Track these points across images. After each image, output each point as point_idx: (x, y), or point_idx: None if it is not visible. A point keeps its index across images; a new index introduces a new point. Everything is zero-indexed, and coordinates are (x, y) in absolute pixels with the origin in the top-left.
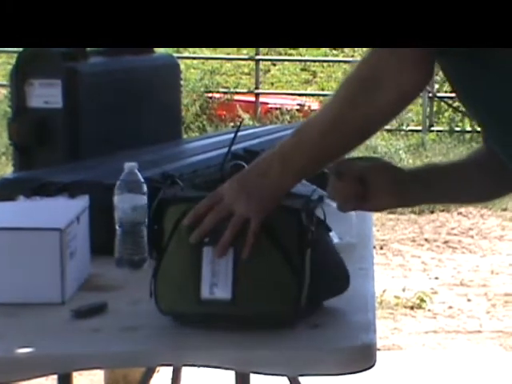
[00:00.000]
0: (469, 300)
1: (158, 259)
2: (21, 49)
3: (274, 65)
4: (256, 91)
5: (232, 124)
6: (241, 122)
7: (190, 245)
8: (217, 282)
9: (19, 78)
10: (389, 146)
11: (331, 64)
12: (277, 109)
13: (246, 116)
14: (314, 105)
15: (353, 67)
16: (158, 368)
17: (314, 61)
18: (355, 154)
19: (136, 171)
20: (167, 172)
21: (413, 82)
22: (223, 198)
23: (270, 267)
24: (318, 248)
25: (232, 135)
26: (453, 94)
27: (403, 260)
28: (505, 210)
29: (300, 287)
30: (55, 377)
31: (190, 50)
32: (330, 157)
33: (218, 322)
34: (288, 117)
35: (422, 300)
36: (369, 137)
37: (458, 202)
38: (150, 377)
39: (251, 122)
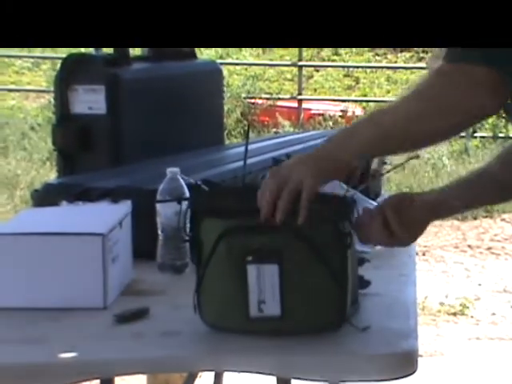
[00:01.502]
0: None
1: (200, 274)
2: (64, 55)
3: (317, 71)
4: (299, 97)
5: (274, 130)
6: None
7: (234, 263)
8: (264, 300)
9: (63, 84)
10: (432, 152)
11: (374, 70)
12: (320, 115)
13: (287, 122)
14: (357, 110)
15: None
16: (200, 373)
17: (357, 67)
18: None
19: (178, 176)
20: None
21: (488, 108)
22: (281, 168)
23: (313, 279)
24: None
25: (274, 141)
26: None
27: (446, 266)
28: None
29: (344, 293)
30: (97, 381)
31: (233, 56)
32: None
33: (266, 336)
34: (331, 123)
35: (465, 306)
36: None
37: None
38: (192, 382)
39: (292, 129)
